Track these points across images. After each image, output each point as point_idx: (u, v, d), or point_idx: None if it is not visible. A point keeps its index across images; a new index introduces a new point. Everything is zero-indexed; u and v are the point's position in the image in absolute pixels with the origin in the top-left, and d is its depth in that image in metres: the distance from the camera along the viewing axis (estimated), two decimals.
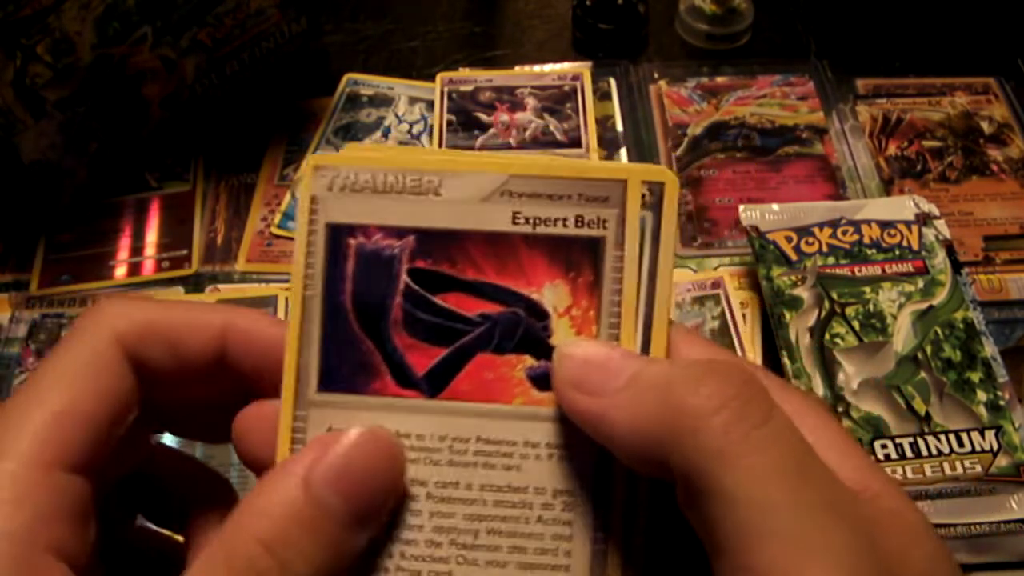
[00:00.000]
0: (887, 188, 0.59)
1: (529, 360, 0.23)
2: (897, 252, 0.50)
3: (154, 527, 0.28)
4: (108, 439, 0.22)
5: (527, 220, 0.23)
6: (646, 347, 0.23)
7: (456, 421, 0.23)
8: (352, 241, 0.23)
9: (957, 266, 0.50)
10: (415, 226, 0.23)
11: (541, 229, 0.23)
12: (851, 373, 0.46)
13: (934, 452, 0.44)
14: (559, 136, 0.62)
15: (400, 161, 0.23)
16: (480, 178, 0.23)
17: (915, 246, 0.50)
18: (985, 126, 0.62)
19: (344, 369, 0.23)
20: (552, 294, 0.23)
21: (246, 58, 0.62)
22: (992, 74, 0.65)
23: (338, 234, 0.23)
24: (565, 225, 0.23)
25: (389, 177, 0.23)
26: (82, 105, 0.55)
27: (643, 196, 0.22)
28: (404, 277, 0.23)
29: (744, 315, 0.52)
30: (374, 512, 0.22)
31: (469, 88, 0.64)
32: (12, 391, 0.51)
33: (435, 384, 0.23)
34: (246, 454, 0.24)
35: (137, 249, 0.57)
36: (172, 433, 0.30)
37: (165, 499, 0.27)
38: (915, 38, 0.69)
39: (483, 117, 0.63)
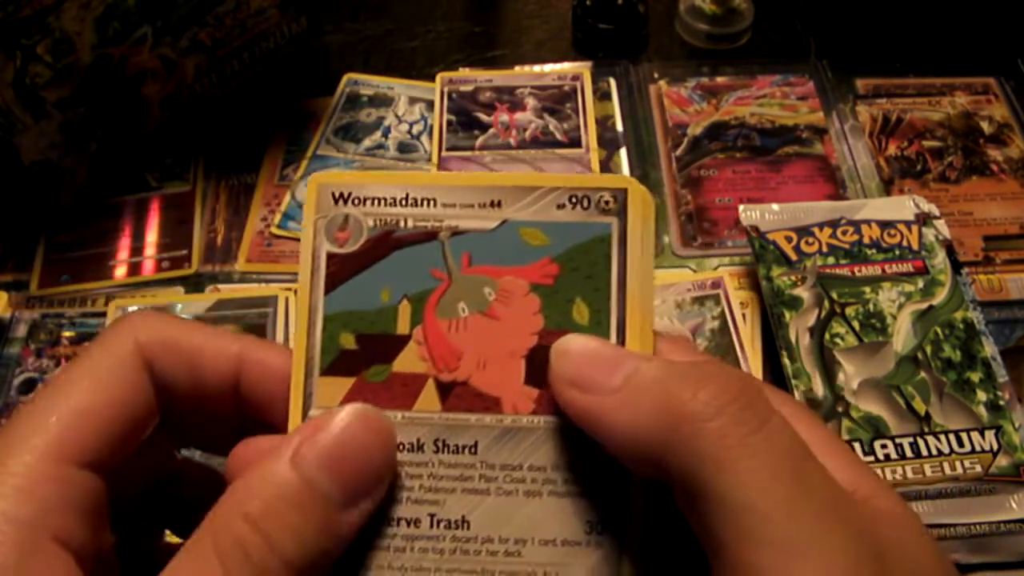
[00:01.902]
0: (887, 188, 0.59)
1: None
2: (897, 252, 0.50)
3: (181, 541, 0.28)
4: (125, 441, 0.23)
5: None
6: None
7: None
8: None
9: (957, 266, 0.50)
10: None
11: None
12: (851, 373, 0.46)
13: (934, 452, 0.44)
14: (559, 136, 0.62)
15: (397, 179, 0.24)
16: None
17: (915, 246, 0.50)
18: (985, 126, 0.62)
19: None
20: None
21: (246, 58, 0.62)
22: (992, 74, 0.65)
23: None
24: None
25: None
26: (82, 105, 0.55)
27: (606, 203, 0.23)
28: None
29: (744, 315, 0.52)
30: (364, 490, 0.22)
31: (469, 88, 0.64)
32: (11, 391, 0.51)
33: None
34: None
35: (137, 249, 0.57)
36: (198, 448, 0.30)
37: (192, 514, 0.27)
38: (915, 38, 0.69)
39: (483, 117, 0.63)
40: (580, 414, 0.21)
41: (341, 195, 0.24)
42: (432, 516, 0.23)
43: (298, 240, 0.57)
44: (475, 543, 0.22)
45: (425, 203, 0.24)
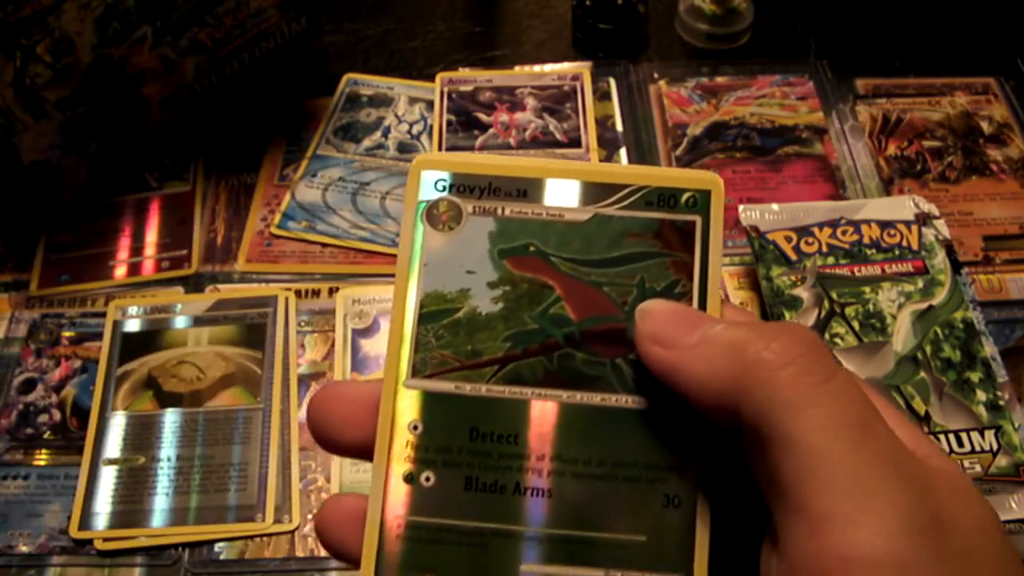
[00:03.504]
0: (887, 188, 0.59)
1: None
2: (897, 252, 0.50)
3: None
4: None
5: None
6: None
7: None
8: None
9: (957, 266, 0.50)
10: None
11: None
12: None
13: None
14: (559, 136, 0.62)
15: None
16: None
17: (915, 246, 0.50)
18: (985, 126, 0.62)
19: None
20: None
21: (246, 58, 0.62)
22: (992, 74, 0.65)
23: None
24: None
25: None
26: (82, 105, 0.55)
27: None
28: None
29: None
30: None
31: (469, 88, 0.65)
32: (11, 391, 0.51)
33: None
34: (329, 545, 0.25)
35: (137, 249, 0.57)
36: None
37: None
38: (915, 38, 0.69)
39: (483, 117, 0.63)
40: (662, 367, 0.23)
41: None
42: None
43: (298, 240, 0.57)
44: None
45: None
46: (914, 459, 0.21)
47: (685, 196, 0.25)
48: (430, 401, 0.24)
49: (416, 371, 0.24)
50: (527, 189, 0.25)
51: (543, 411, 0.24)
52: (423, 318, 0.25)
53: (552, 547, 0.23)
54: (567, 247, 0.25)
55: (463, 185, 0.25)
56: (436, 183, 0.25)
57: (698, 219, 0.25)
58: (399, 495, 0.23)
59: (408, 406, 0.24)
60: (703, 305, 0.25)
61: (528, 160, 0.26)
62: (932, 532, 0.20)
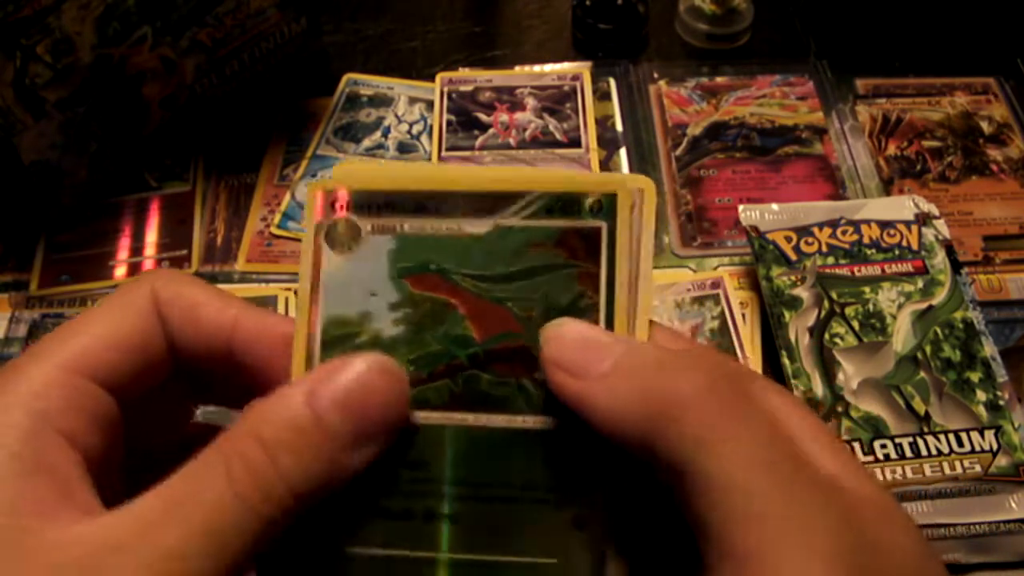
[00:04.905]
0: (887, 188, 0.59)
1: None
2: (897, 252, 0.50)
3: None
4: (137, 372, 0.24)
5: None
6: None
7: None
8: None
9: (957, 266, 0.50)
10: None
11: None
12: (851, 373, 0.46)
13: (933, 452, 0.44)
14: (559, 136, 0.62)
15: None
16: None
17: (915, 246, 0.50)
18: (985, 126, 0.62)
19: None
20: None
21: (246, 58, 0.62)
22: (992, 74, 0.65)
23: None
24: None
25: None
26: (82, 105, 0.55)
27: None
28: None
29: (744, 315, 0.52)
30: (373, 436, 0.22)
31: (469, 88, 0.65)
32: None
33: None
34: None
35: (137, 249, 0.57)
36: (213, 403, 0.32)
37: None
38: (915, 38, 0.69)
39: (483, 117, 0.63)
40: (570, 397, 0.22)
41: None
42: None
43: (298, 240, 0.57)
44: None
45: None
46: (839, 489, 0.20)
47: (589, 201, 0.24)
48: None
49: None
50: (425, 203, 0.24)
51: (450, 435, 0.23)
52: (325, 345, 0.24)
53: (463, 572, 0.23)
54: (468, 262, 0.24)
55: (361, 204, 0.24)
56: (333, 204, 0.25)
57: (604, 225, 0.24)
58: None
59: None
60: (610, 320, 0.23)
61: (426, 170, 0.25)
62: (864, 563, 0.19)
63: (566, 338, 0.22)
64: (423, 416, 0.24)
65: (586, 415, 0.22)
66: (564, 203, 0.24)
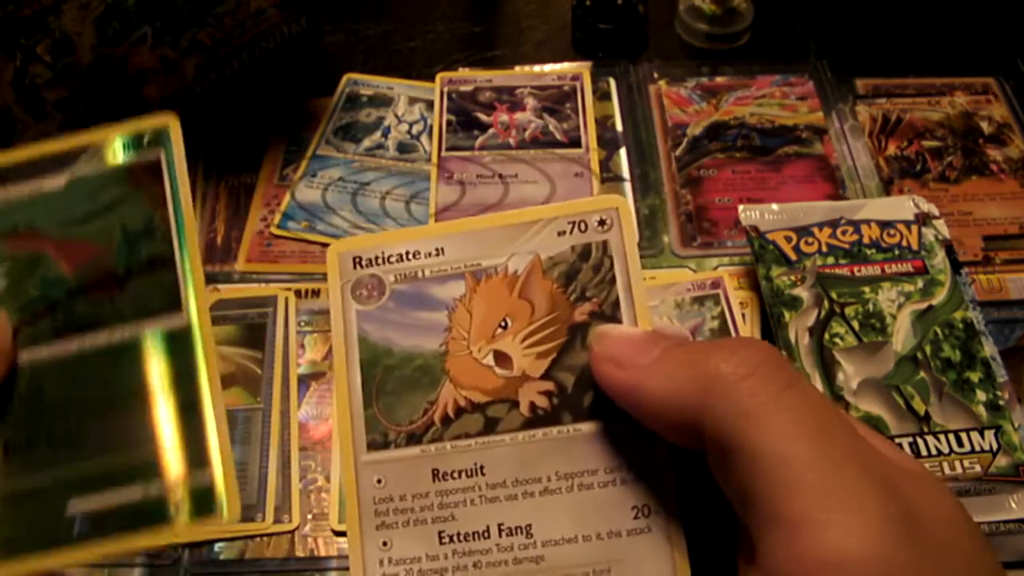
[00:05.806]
0: (887, 188, 0.59)
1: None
2: (897, 252, 0.50)
3: None
4: None
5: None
6: None
7: None
8: None
9: (957, 266, 0.50)
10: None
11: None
12: (851, 373, 0.46)
13: (933, 452, 0.44)
14: (559, 136, 0.62)
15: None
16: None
17: (915, 246, 0.50)
18: (985, 126, 0.62)
19: None
20: None
21: (246, 58, 0.62)
22: (992, 74, 0.65)
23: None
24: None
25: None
26: (82, 105, 0.55)
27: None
28: None
29: (744, 315, 0.52)
30: None
31: (469, 88, 0.65)
32: None
33: None
34: None
35: None
36: None
37: None
38: (915, 38, 0.69)
39: (483, 117, 0.63)
40: (619, 387, 0.23)
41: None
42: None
43: (298, 240, 0.57)
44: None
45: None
46: (881, 459, 0.21)
47: (146, 137, 0.30)
48: None
49: None
50: (6, 174, 0.28)
51: (58, 364, 0.26)
52: None
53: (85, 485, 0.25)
54: (53, 214, 0.28)
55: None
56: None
57: (161, 151, 0.29)
58: None
59: None
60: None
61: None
62: (907, 527, 0.19)
63: (613, 335, 0.24)
64: (35, 352, 0.26)
65: (637, 403, 0.23)
66: (126, 143, 0.29)
